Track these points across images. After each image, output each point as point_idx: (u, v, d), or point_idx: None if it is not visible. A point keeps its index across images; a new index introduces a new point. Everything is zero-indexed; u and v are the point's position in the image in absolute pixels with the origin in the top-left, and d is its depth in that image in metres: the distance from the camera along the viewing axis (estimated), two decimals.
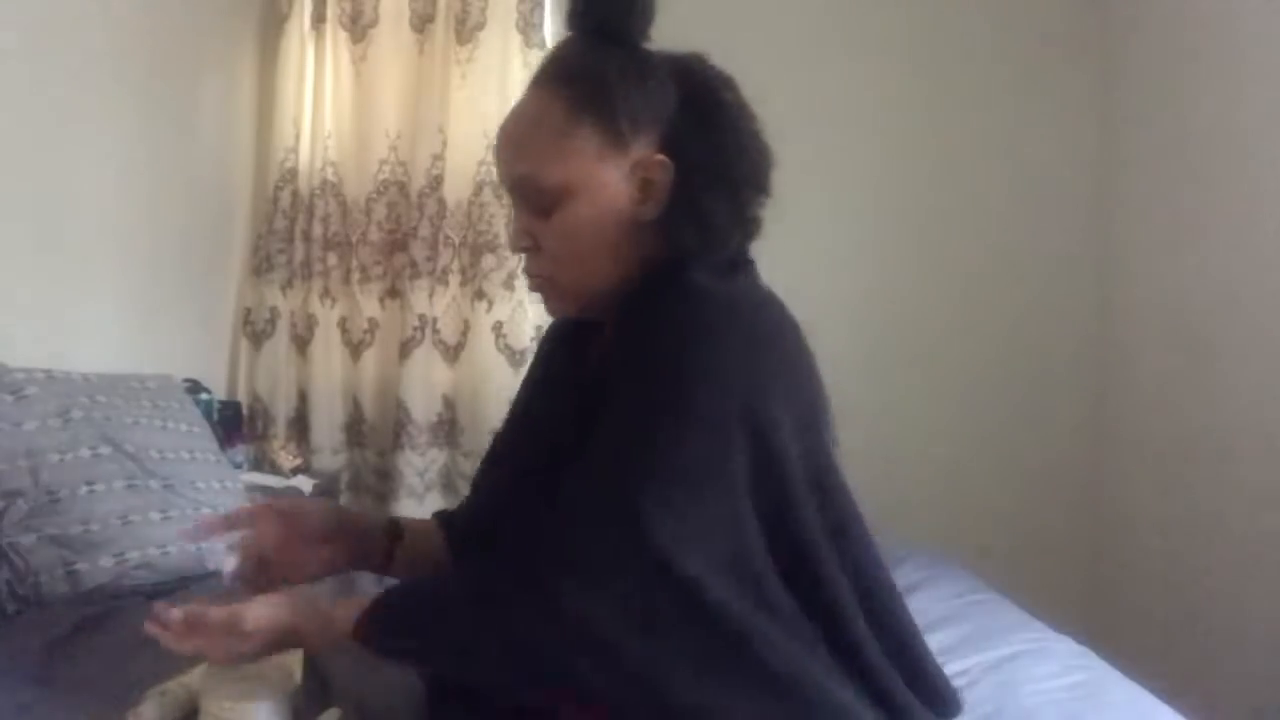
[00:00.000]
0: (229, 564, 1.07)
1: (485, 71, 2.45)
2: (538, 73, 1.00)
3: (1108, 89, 2.65)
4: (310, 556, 1.11)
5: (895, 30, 2.68)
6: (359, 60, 2.57)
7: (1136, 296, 2.55)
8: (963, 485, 2.64)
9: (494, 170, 1.83)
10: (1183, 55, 2.37)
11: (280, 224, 2.57)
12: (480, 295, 2.51)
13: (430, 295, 2.52)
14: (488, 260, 2.48)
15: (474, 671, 0.89)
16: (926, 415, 2.69)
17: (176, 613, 0.93)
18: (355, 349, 2.60)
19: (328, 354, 2.59)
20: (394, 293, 2.59)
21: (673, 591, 0.83)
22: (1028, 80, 2.68)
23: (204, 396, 2.20)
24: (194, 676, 1.08)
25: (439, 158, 2.51)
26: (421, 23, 2.54)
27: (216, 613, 0.94)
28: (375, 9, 2.55)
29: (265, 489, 2.18)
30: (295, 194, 2.56)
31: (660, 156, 0.96)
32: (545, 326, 1.23)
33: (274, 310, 2.57)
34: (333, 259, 2.58)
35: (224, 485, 1.87)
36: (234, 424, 2.34)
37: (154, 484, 1.70)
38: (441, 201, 2.51)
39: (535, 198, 0.97)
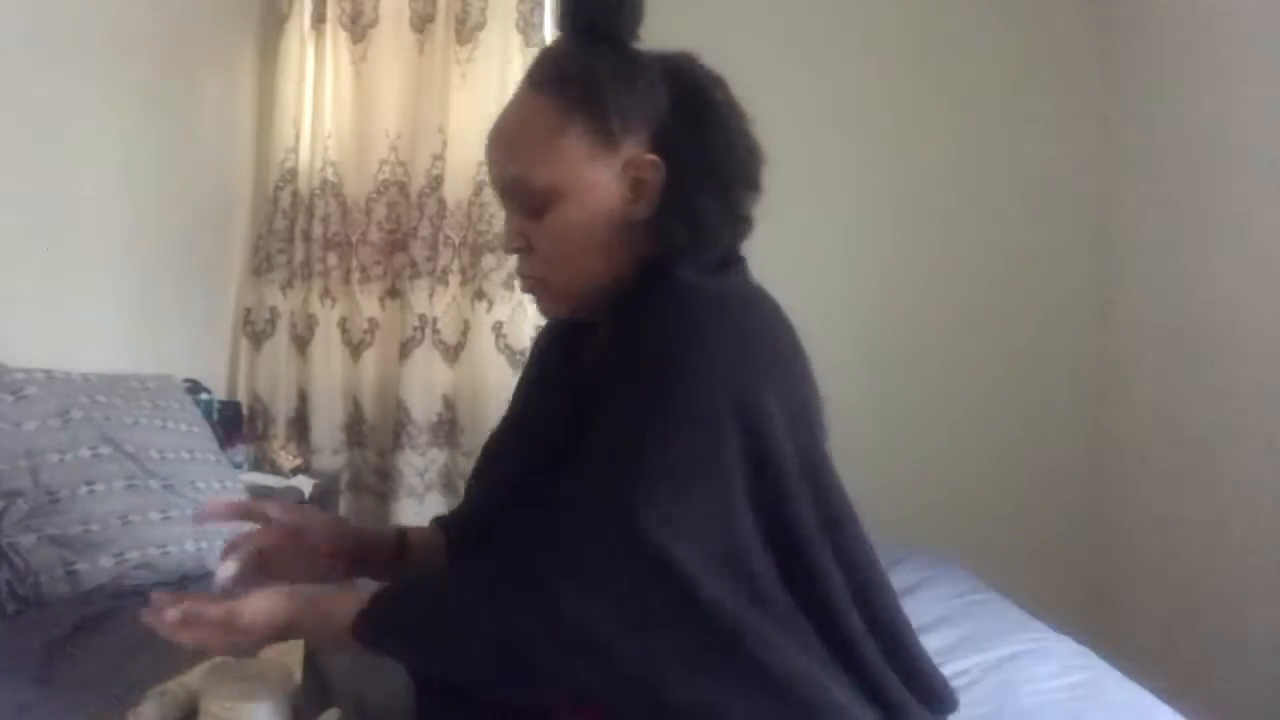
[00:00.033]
0: (225, 569, 1.06)
1: (485, 71, 2.46)
2: (528, 74, 1.00)
3: (1108, 89, 2.65)
4: (310, 570, 1.11)
5: (896, 30, 2.68)
6: (359, 60, 2.57)
7: (1136, 296, 2.55)
8: (963, 485, 2.64)
9: None
10: (1183, 55, 2.37)
11: (280, 224, 2.57)
12: (480, 295, 2.51)
13: (430, 295, 2.52)
14: (488, 260, 2.48)
15: (470, 670, 0.89)
16: (926, 415, 2.69)
17: (173, 612, 0.93)
18: (355, 349, 2.60)
19: (328, 354, 2.59)
20: (394, 293, 2.59)
21: (669, 590, 0.83)
22: (1028, 80, 2.68)
23: (204, 396, 2.20)
24: (194, 676, 1.08)
25: (439, 158, 2.51)
26: (421, 23, 2.54)
27: (213, 609, 0.94)
28: (375, 9, 2.56)
29: (265, 489, 2.18)
30: (295, 194, 2.56)
31: (651, 156, 0.96)
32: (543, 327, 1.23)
33: (274, 310, 2.57)
34: (333, 259, 2.58)
35: (224, 485, 1.87)
36: (234, 424, 2.34)
37: (154, 484, 1.70)
38: (441, 201, 2.51)
39: (527, 199, 0.97)
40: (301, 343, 2.60)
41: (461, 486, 2.48)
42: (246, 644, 0.96)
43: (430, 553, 1.16)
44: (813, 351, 0.99)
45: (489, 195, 2.47)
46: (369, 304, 2.59)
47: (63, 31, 1.95)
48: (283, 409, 2.57)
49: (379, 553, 1.16)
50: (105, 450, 1.67)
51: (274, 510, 1.12)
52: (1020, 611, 1.66)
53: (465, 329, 2.54)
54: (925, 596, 1.66)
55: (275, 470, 2.45)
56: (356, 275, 2.58)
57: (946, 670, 1.09)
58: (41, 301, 1.92)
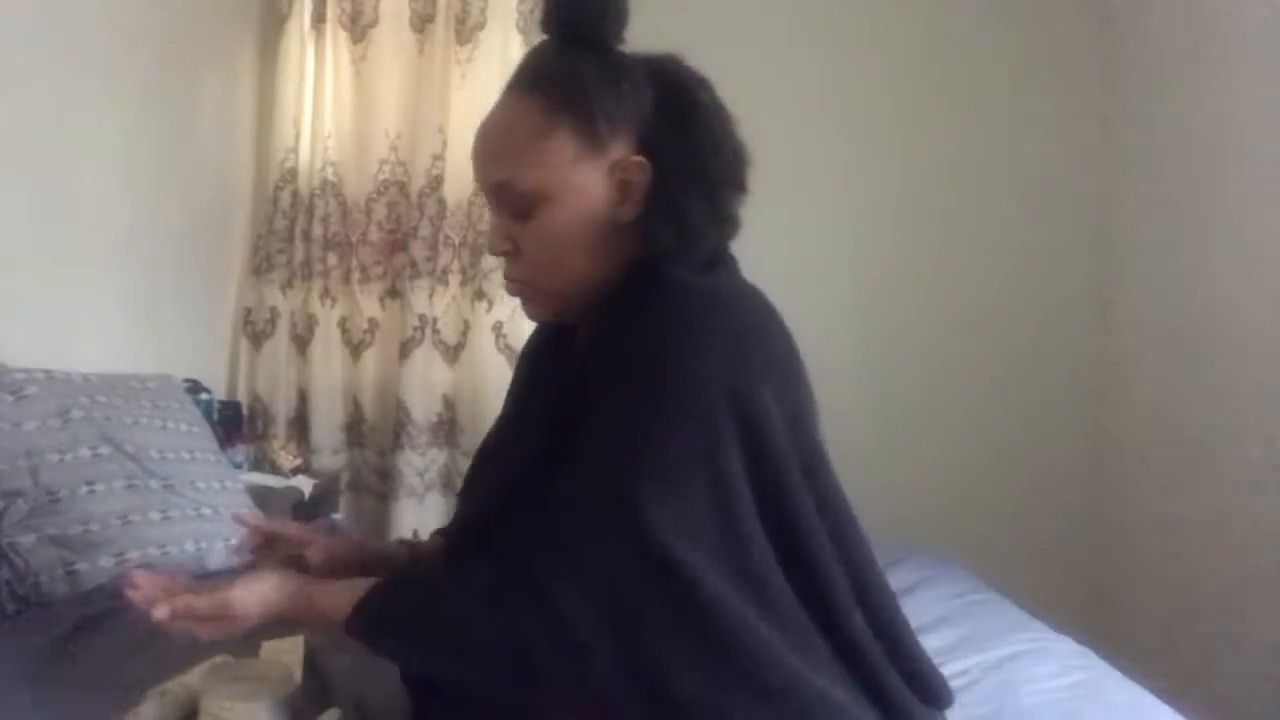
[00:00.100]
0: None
1: (485, 71, 2.46)
2: (513, 78, 1.00)
3: (1108, 89, 2.65)
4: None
5: (896, 30, 2.68)
6: (359, 60, 2.58)
7: (1136, 296, 2.55)
8: (963, 485, 2.64)
9: None
10: (1183, 55, 2.37)
11: (280, 224, 2.57)
12: (480, 295, 2.52)
13: (430, 295, 2.52)
14: (488, 260, 2.48)
15: (466, 670, 0.89)
16: (926, 415, 2.69)
17: (162, 610, 0.93)
18: (355, 349, 2.60)
19: (328, 354, 2.59)
20: (394, 293, 2.59)
21: (670, 588, 0.83)
22: (1028, 80, 2.68)
23: (204, 396, 2.20)
24: (194, 676, 1.08)
25: (439, 158, 2.51)
26: (421, 23, 2.54)
27: (202, 603, 0.94)
28: (375, 9, 2.56)
29: (265, 489, 2.18)
30: (295, 194, 2.56)
31: (638, 158, 0.96)
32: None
33: (274, 310, 2.58)
34: (333, 259, 2.58)
35: (224, 485, 1.87)
36: (234, 424, 2.34)
37: (154, 484, 1.70)
38: (441, 201, 2.51)
39: (514, 201, 0.97)
40: (301, 343, 2.60)
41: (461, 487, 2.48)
42: (238, 632, 0.96)
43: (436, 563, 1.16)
44: (813, 351, 0.99)
45: None
46: (369, 304, 2.59)
47: (63, 31, 1.95)
48: (283, 409, 2.57)
49: (391, 569, 1.16)
50: (105, 450, 1.66)
51: (311, 553, 1.10)
52: (1020, 611, 1.66)
53: (465, 329, 2.54)
54: (925, 596, 1.66)
55: (275, 470, 2.45)
56: (356, 275, 2.58)
57: (946, 670, 1.09)
58: (41, 301, 1.92)
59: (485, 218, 2.48)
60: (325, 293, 2.58)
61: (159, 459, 1.75)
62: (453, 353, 2.55)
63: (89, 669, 1.28)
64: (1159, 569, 2.40)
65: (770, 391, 0.90)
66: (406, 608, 0.92)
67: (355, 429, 2.61)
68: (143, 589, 0.95)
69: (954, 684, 1.07)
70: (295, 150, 2.55)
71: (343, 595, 0.93)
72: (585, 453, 0.89)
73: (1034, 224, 2.68)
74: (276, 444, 2.53)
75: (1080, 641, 1.52)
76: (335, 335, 2.60)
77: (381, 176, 2.57)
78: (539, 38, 1.01)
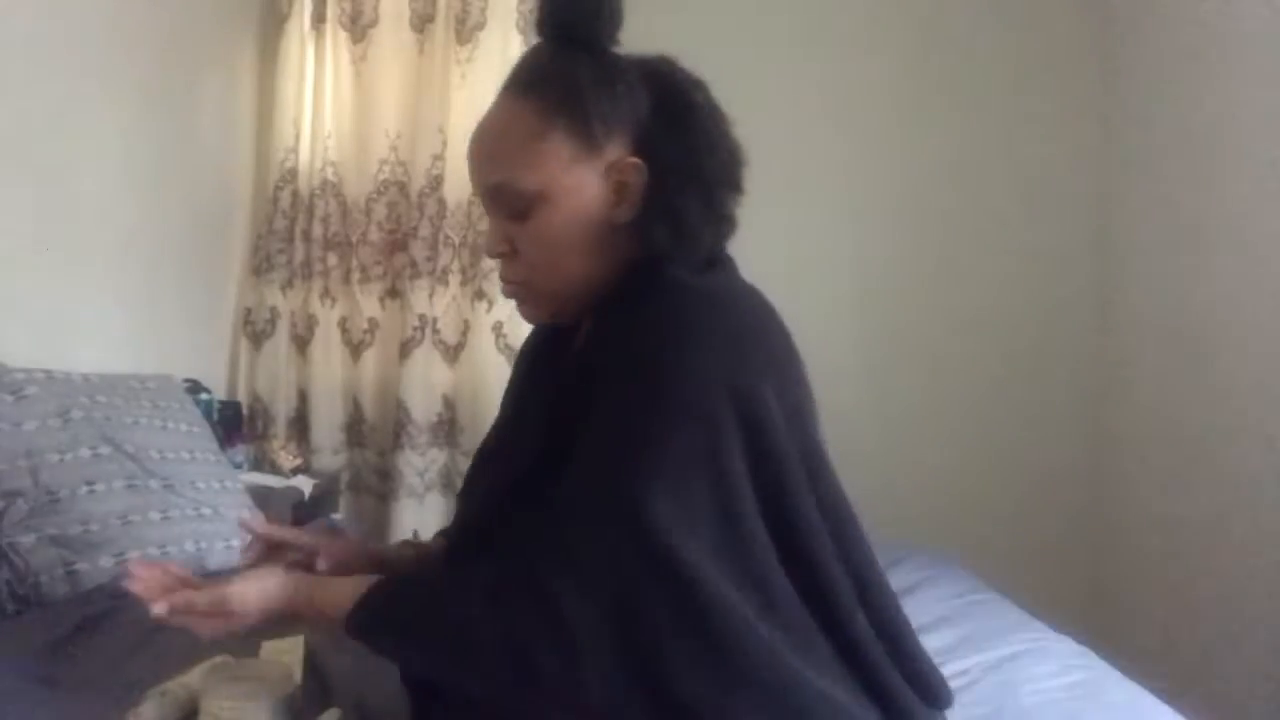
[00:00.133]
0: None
1: (485, 71, 2.46)
2: (508, 80, 1.00)
3: (1108, 89, 2.65)
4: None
5: (896, 30, 2.68)
6: (359, 60, 2.58)
7: (1136, 296, 2.55)
8: (963, 485, 2.64)
9: None
10: (1183, 55, 2.37)
11: (280, 224, 2.57)
12: (480, 295, 2.52)
13: (430, 295, 2.52)
14: (488, 260, 2.48)
15: (466, 671, 0.89)
16: (926, 415, 2.69)
17: (161, 606, 0.92)
18: (355, 349, 2.60)
19: (328, 354, 2.59)
20: (394, 293, 2.59)
21: (673, 588, 0.83)
22: (1028, 80, 2.68)
23: (204, 396, 2.20)
24: (194, 676, 1.08)
25: (439, 158, 2.51)
26: (421, 23, 2.54)
27: (202, 599, 0.93)
28: (375, 9, 2.56)
29: (265, 489, 2.18)
30: (295, 194, 2.56)
31: (634, 159, 0.96)
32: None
33: (274, 310, 2.57)
34: (333, 259, 2.58)
35: (224, 485, 1.87)
36: (234, 424, 2.34)
37: (154, 484, 1.70)
38: (441, 201, 2.51)
39: (510, 203, 0.97)
40: (301, 343, 2.60)
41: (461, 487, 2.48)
42: (237, 628, 0.95)
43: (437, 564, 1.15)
44: (813, 351, 0.99)
45: None
46: (369, 304, 2.59)
47: (63, 31, 1.95)
48: (283, 409, 2.57)
49: (397, 570, 1.16)
50: (105, 450, 1.67)
51: (320, 565, 1.08)
52: (1020, 611, 1.66)
53: (465, 329, 2.54)
54: (925, 596, 1.66)
55: (275, 470, 2.45)
56: (356, 275, 2.58)
57: (946, 670, 1.09)
58: (41, 301, 1.92)
59: (485, 218, 2.48)
60: (325, 293, 2.59)
61: (159, 459, 1.75)
62: (453, 353, 2.55)
63: (89, 669, 1.28)
64: (1159, 569, 2.40)
65: (771, 390, 0.90)
66: (407, 607, 0.92)
67: (355, 429, 2.61)
68: (142, 581, 0.95)
69: (954, 684, 1.07)
70: (295, 150, 2.55)
71: (344, 592, 0.93)
72: (586, 453, 0.89)
73: (1034, 224, 2.68)
74: (276, 444, 2.53)
75: (1080, 641, 1.52)
76: (335, 335, 2.60)
77: (381, 176, 2.57)
78: (539, 37, 1.01)
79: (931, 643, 1.06)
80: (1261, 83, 2.08)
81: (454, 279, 2.53)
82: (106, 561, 1.55)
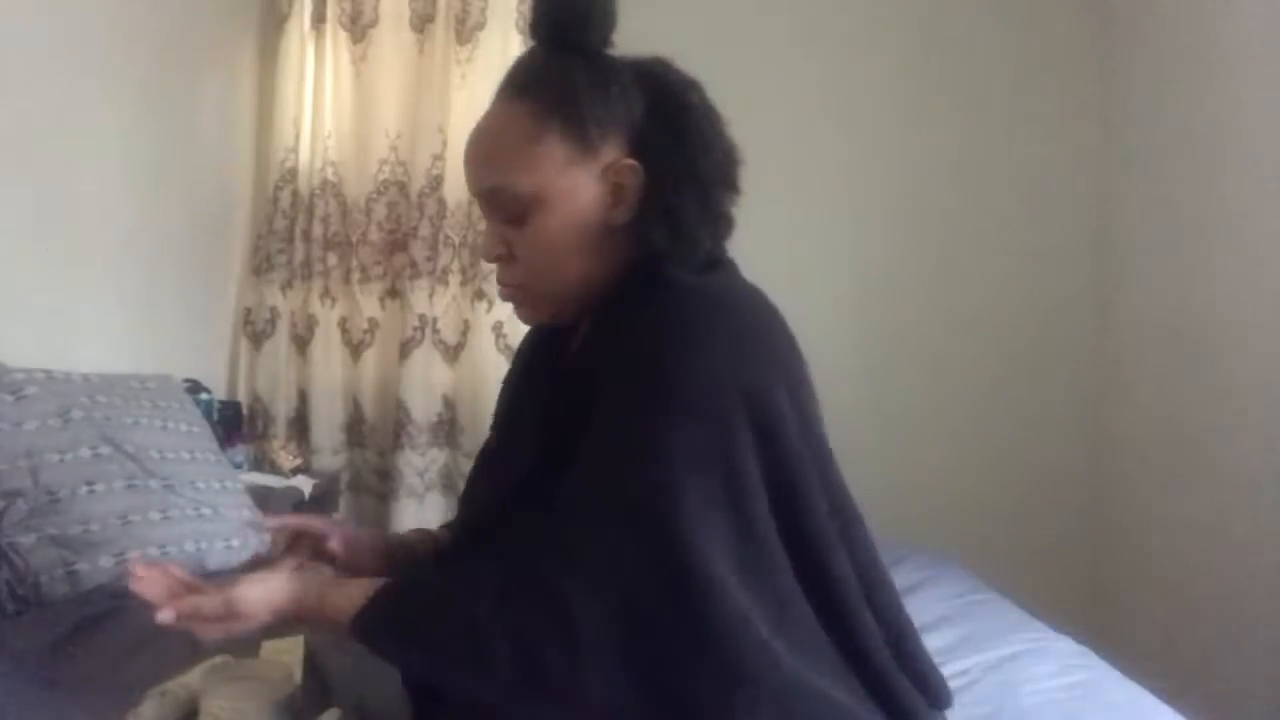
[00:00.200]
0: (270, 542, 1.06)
1: (485, 71, 2.46)
2: (502, 84, 1.00)
3: (1108, 89, 2.65)
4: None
5: (896, 30, 2.68)
6: (359, 60, 2.58)
7: (1136, 296, 2.55)
8: (963, 485, 2.64)
9: None
10: (1183, 55, 2.37)
11: (280, 224, 2.57)
12: (480, 295, 2.52)
13: (430, 295, 2.52)
14: None
15: (472, 674, 0.87)
16: (927, 415, 2.69)
17: (166, 614, 0.92)
18: (355, 349, 2.60)
19: (328, 354, 2.59)
20: (394, 293, 2.59)
21: (681, 589, 0.83)
22: (1028, 80, 2.68)
23: (204, 396, 2.20)
24: (194, 676, 1.08)
25: (439, 158, 2.51)
26: (421, 23, 2.54)
27: (209, 603, 0.93)
28: (375, 9, 2.56)
29: (265, 489, 2.18)
30: (295, 194, 2.57)
31: (630, 161, 0.96)
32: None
33: (274, 310, 2.57)
34: (333, 259, 2.58)
35: (224, 485, 1.87)
36: (234, 424, 2.34)
37: (154, 484, 1.70)
38: (441, 201, 2.51)
39: (507, 206, 0.97)
40: (301, 343, 2.60)
41: (461, 487, 2.48)
42: (243, 631, 0.95)
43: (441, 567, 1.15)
44: (813, 351, 0.99)
45: None
46: (369, 304, 2.59)
47: (63, 31, 1.95)
48: (283, 409, 2.57)
49: (413, 556, 1.16)
50: (105, 450, 1.66)
51: (333, 544, 1.10)
52: (1020, 611, 1.66)
53: (465, 329, 2.54)
54: (925, 596, 1.66)
55: (275, 470, 2.45)
56: (356, 275, 2.58)
57: (946, 670, 1.09)
58: (41, 301, 1.92)
59: (484, 219, 2.48)
60: (325, 293, 2.59)
61: (159, 459, 1.75)
62: (453, 353, 2.55)
63: (89, 669, 1.28)
64: (1159, 569, 2.40)
65: (779, 387, 0.90)
66: (412, 611, 0.91)
67: (355, 429, 2.61)
68: (146, 582, 0.95)
69: (954, 684, 1.07)
70: (295, 150, 2.56)
71: (350, 596, 0.92)
72: (591, 454, 0.89)
73: (1034, 224, 2.68)
74: (276, 444, 2.53)
75: (1080, 641, 1.52)
76: (335, 335, 2.60)
77: (381, 176, 2.57)
78: (533, 41, 1.01)
79: (932, 643, 1.06)
80: (1261, 83, 2.08)
81: (454, 279, 2.53)
82: (106, 561, 1.55)
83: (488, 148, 0.99)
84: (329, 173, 2.57)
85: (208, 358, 2.50)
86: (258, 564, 1.30)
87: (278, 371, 2.57)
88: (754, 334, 0.93)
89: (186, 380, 2.15)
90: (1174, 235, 2.38)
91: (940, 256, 2.69)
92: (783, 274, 1.10)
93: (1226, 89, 2.20)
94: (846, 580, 0.91)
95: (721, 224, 1.00)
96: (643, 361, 0.89)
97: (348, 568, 1.10)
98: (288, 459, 2.48)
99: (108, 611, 1.42)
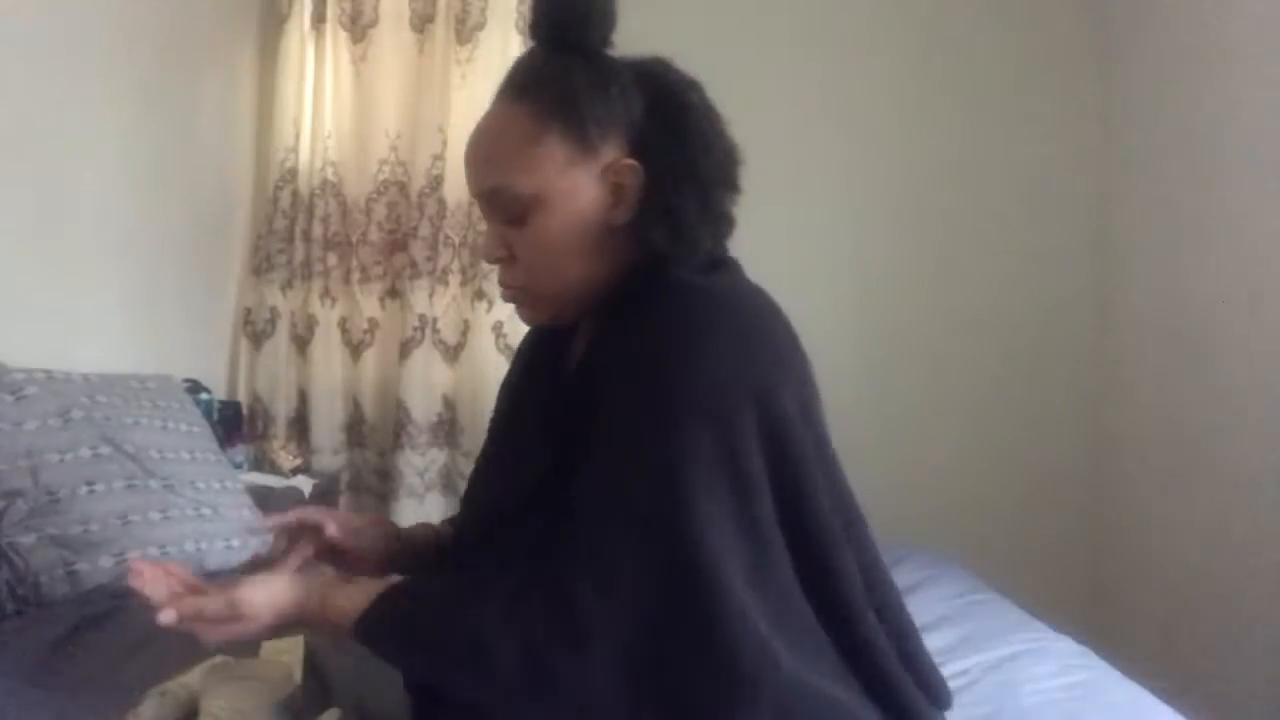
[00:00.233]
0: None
1: (485, 71, 2.46)
2: (502, 85, 1.00)
3: (1108, 89, 2.65)
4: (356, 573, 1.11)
5: (896, 30, 2.68)
6: (359, 60, 2.58)
7: (1136, 296, 2.55)
8: (963, 485, 2.64)
9: None
10: (1183, 55, 2.37)
11: (280, 224, 2.57)
12: (480, 295, 2.52)
13: (430, 295, 2.52)
14: None
15: (477, 677, 0.87)
16: (927, 415, 2.69)
17: (169, 614, 0.92)
18: (355, 349, 2.60)
19: (328, 354, 2.59)
20: (394, 293, 2.59)
21: (691, 590, 0.83)
22: (1028, 80, 2.68)
23: (204, 396, 2.20)
24: (194, 676, 1.08)
25: (439, 158, 2.51)
26: (421, 23, 2.54)
27: (212, 604, 0.93)
28: (375, 9, 2.56)
29: (265, 489, 2.18)
30: (295, 194, 2.57)
31: (630, 161, 0.96)
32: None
33: (274, 310, 2.57)
34: (333, 259, 2.58)
35: (224, 485, 1.87)
36: (234, 424, 2.34)
37: (154, 484, 1.70)
38: (441, 201, 2.51)
39: (507, 207, 0.97)
40: (301, 343, 2.60)
41: (461, 487, 2.48)
42: (245, 633, 0.95)
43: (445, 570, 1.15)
44: (813, 351, 0.99)
45: None
46: (369, 304, 2.59)
47: (63, 31, 1.95)
48: (283, 409, 2.57)
49: (421, 558, 1.16)
50: (105, 450, 1.66)
51: (330, 528, 1.10)
52: (1020, 611, 1.66)
53: (465, 329, 2.54)
54: (925, 596, 1.66)
55: (275, 470, 2.45)
56: (356, 275, 2.58)
57: (946, 670, 1.09)
58: (41, 301, 1.92)
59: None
60: (325, 293, 2.59)
61: (159, 459, 1.75)
62: (453, 353, 2.55)
63: (89, 669, 1.28)
64: (1159, 569, 2.40)
65: (785, 388, 0.90)
66: (417, 614, 0.91)
67: (355, 429, 2.61)
68: (147, 581, 0.95)
69: (954, 684, 1.07)
70: (295, 150, 2.55)
71: (354, 599, 0.92)
72: (599, 456, 0.88)
73: (1034, 224, 2.68)
74: (276, 444, 2.53)
75: (1080, 641, 1.52)
76: (335, 335, 2.60)
77: (381, 176, 2.57)
78: (532, 41, 1.01)
79: (932, 643, 1.06)
80: (1261, 83, 2.08)
81: (454, 279, 2.53)
82: (106, 561, 1.55)
83: (488, 149, 0.99)
84: (329, 173, 2.56)
85: (208, 358, 2.50)
86: (258, 564, 1.30)
87: (278, 371, 2.57)
88: (759, 334, 0.93)
89: (186, 380, 2.15)
90: (1174, 235, 2.38)
91: (940, 256, 2.69)
92: (783, 274, 1.10)
93: (1226, 89, 2.20)
94: (852, 579, 0.91)
95: (722, 224, 1.00)
96: (648, 362, 0.89)
97: (348, 554, 1.10)
98: (288, 459, 2.48)
99: (108, 611, 1.42)
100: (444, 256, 2.51)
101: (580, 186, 0.96)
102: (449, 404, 2.55)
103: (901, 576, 1.67)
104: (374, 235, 2.58)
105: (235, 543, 1.75)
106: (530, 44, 1.01)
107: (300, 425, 2.59)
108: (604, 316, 0.98)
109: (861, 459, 1.23)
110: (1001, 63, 2.68)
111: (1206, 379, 2.24)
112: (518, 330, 2.49)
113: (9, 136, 1.82)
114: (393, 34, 2.56)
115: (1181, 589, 2.30)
